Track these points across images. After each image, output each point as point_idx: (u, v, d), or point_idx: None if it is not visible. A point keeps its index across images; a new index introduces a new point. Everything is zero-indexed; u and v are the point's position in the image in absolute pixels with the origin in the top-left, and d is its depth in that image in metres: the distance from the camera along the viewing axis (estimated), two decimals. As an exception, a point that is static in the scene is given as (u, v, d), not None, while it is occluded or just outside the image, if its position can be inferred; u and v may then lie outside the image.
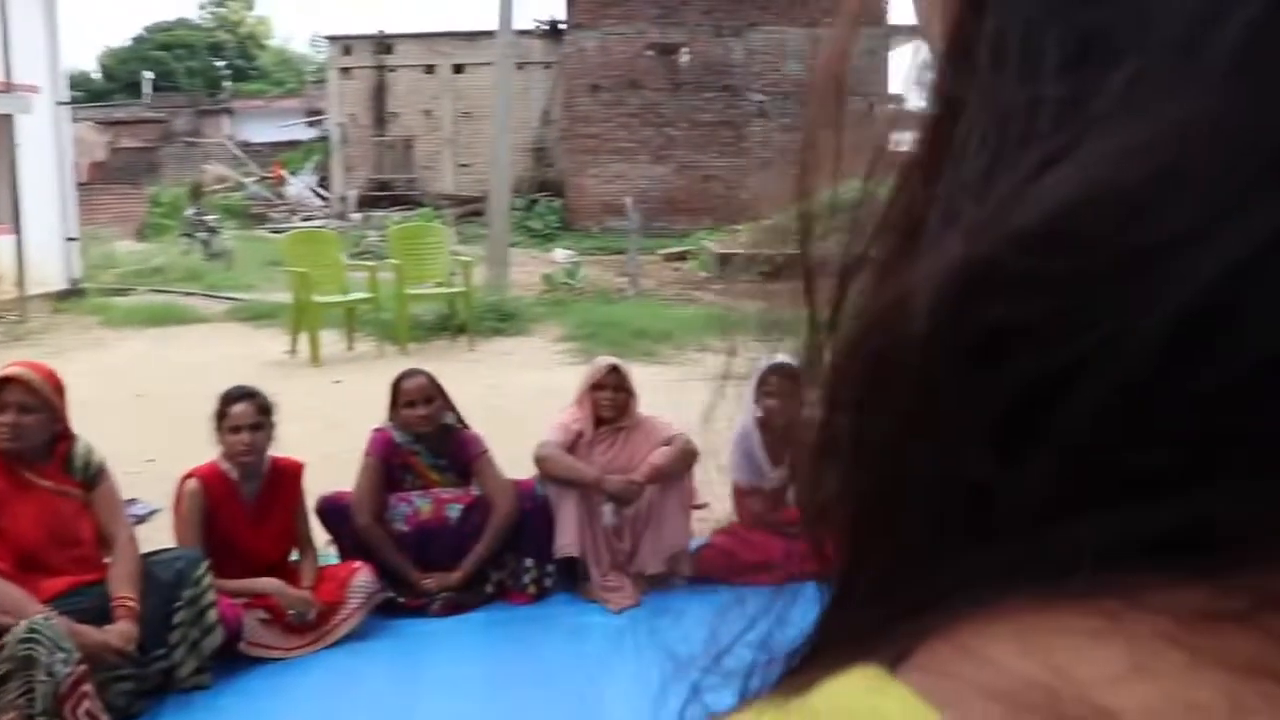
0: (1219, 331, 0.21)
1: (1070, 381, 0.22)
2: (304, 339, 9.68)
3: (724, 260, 17.33)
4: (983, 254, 0.23)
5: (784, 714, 0.25)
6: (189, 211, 20.97)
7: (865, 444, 0.26)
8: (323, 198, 28.86)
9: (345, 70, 27.51)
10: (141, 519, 5.56)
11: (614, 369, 4.77)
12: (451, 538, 4.45)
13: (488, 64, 22.70)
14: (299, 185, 30.08)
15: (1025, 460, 0.23)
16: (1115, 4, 0.23)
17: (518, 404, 7.61)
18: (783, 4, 24.89)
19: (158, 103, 40.82)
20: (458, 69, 26.86)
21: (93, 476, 3.84)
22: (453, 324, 10.67)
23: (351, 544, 4.41)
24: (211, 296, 14.42)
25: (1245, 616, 0.21)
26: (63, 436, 3.80)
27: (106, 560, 3.79)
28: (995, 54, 0.24)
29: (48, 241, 13.99)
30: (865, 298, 0.27)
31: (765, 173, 25.33)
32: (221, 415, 4.10)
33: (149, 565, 3.79)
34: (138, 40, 57.98)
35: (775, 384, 4.64)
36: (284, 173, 30.73)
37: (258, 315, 12.29)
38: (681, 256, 19.67)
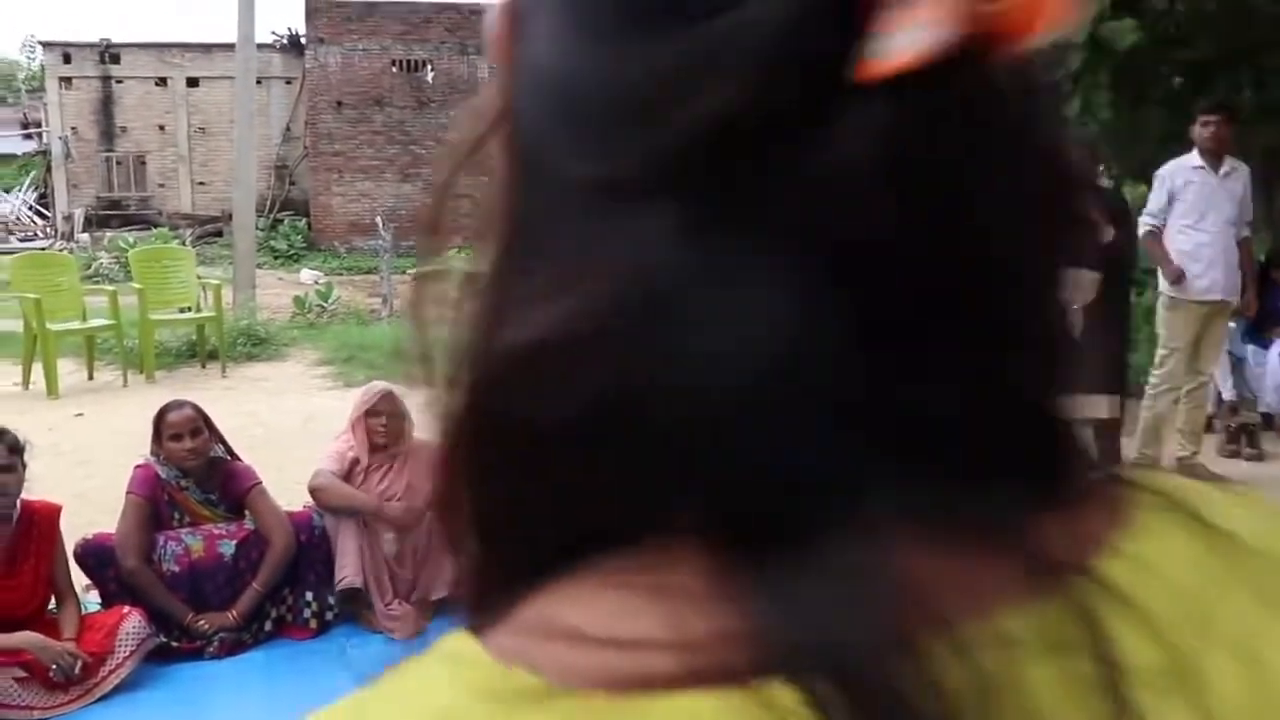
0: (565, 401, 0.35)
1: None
2: (38, 370, 9.05)
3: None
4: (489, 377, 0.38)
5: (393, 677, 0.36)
6: (-112, 232, 19.24)
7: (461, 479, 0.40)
8: (44, 216, 26.99)
9: (66, 80, 25.81)
10: None
11: (388, 394, 4.70)
12: (226, 575, 4.28)
13: (224, 78, 21.85)
14: (15, 203, 28.04)
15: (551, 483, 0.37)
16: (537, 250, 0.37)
17: (279, 432, 7.37)
18: (529, 24, 25.07)
19: None
20: (192, 82, 25.68)
21: None
22: (202, 350, 10.21)
23: (117, 588, 4.17)
24: (-79, 325, 13.26)
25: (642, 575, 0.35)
26: None
27: None
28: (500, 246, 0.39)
29: None
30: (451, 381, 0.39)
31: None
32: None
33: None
34: None
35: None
36: (-3, 189, 28.56)
37: (-22, 347, 11.39)
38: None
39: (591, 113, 0.36)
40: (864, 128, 0.32)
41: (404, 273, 18.99)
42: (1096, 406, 5.82)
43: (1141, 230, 6.04)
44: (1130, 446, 6.09)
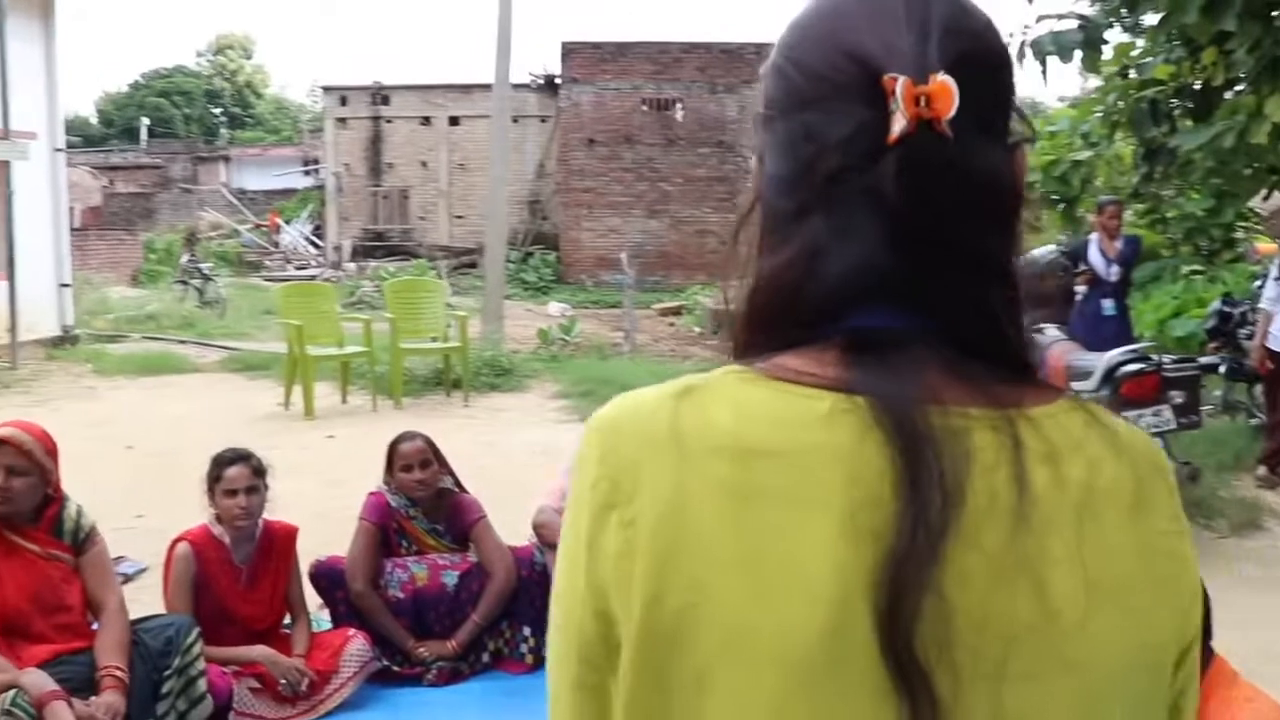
0: (815, 298, 0.77)
1: (784, 309, 0.79)
2: (297, 391, 9.60)
3: (718, 316, 17.33)
4: (754, 288, 0.83)
5: (692, 380, 0.78)
6: (184, 258, 20.95)
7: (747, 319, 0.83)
8: (317, 246, 28.86)
9: (341, 120, 27.61)
10: (129, 578, 5.45)
11: (614, 432, 4.69)
12: (448, 605, 4.35)
13: (483, 116, 22.81)
14: (294, 233, 30.10)
15: (779, 326, 0.79)
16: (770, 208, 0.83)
17: (513, 463, 7.52)
18: (778, 62, 25.09)
19: (155, 149, 40.97)
20: (453, 121, 26.98)
21: (82, 540, 3.73)
22: (447, 379, 10.60)
23: (345, 610, 4.31)
24: (205, 345, 14.34)
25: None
26: (53, 499, 3.70)
27: (94, 626, 3.69)
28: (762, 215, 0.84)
29: (41, 287, 13.90)
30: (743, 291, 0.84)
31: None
32: (215, 478, 4.02)
33: (138, 632, 3.69)
34: (135, 87, 58.27)
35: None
36: (279, 221, 30.75)
37: (251, 366, 12.21)
38: (676, 311, 19.66)
39: (787, 182, 0.80)
40: (891, 159, 0.74)
41: (648, 307, 19.28)
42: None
43: None
44: None
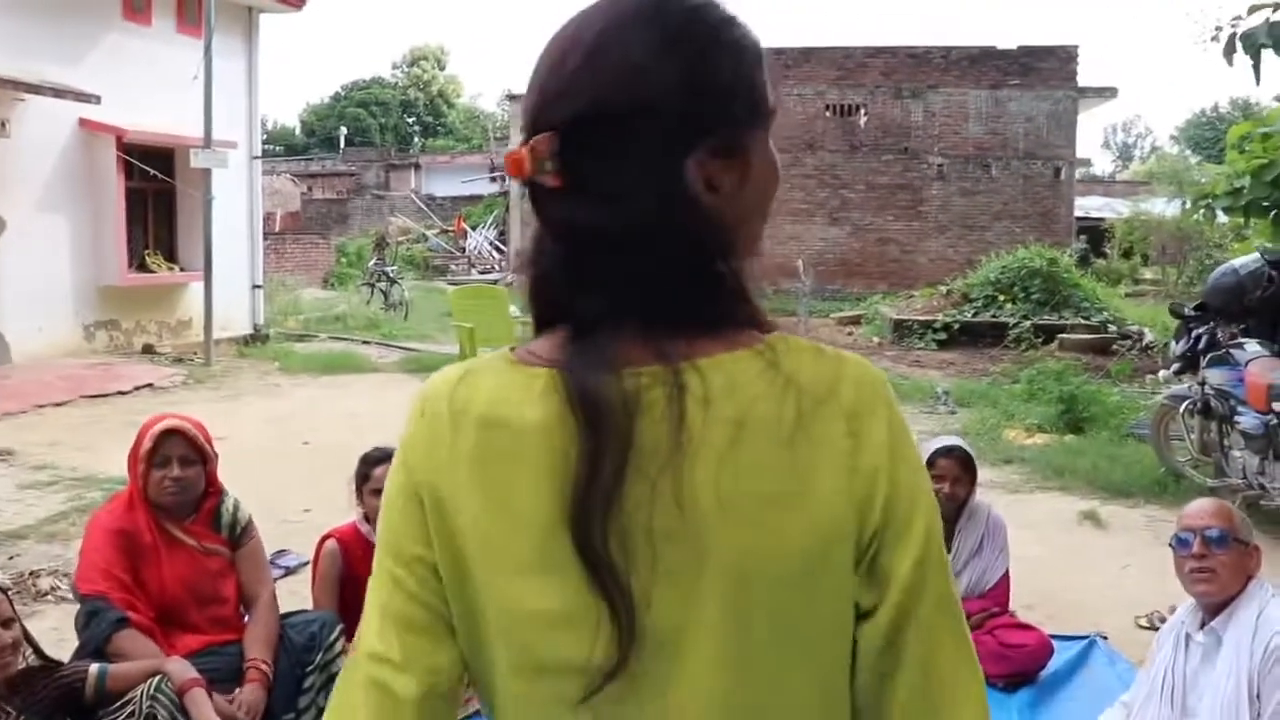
0: (560, 274, 1.00)
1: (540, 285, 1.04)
2: (467, 393, 9.74)
3: (898, 325, 16.87)
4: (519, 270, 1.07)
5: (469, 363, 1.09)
6: (371, 261, 21.70)
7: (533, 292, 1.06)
8: (501, 251, 29.49)
9: (527, 128, 28.16)
10: (291, 570, 5.57)
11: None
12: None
13: (665, 123, 22.90)
14: (478, 239, 30.85)
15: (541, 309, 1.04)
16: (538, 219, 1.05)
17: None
18: (964, 66, 24.38)
19: (351, 157, 42.65)
20: (635, 128, 27.19)
21: (239, 534, 3.79)
22: (615, 383, 10.57)
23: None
24: (386, 345, 14.76)
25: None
26: (210, 492, 3.76)
27: (245, 619, 3.74)
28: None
29: (235, 288, 14.57)
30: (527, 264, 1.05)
31: (942, 237, 24.71)
32: (363, 477, 4.03)
33: (284, 627, 3.71)
34: (335, 98, 60.91)
35: (943, 466, 4.37)
36: (465, 226, 31.57)
37: (427, 366, 12.47)
38: (855, 321, 19.26)
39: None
40: (541, 194, 1.01)
41: (827, 316, 18.94)
42: None
43: None
44: None
